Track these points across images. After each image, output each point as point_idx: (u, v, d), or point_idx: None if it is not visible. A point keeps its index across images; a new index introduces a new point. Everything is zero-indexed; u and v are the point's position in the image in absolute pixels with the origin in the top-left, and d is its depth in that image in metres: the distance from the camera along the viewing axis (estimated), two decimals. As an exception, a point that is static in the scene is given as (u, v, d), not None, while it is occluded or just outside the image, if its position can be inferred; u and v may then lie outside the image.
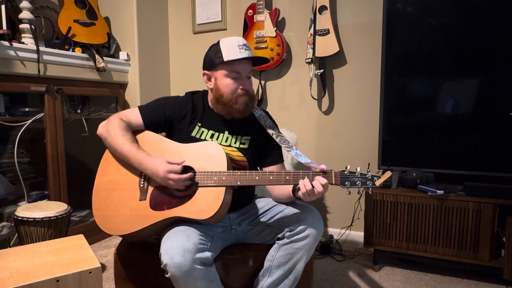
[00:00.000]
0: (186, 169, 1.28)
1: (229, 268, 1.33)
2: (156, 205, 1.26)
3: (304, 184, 1.18)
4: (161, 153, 1.32)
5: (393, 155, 2.13)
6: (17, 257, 1.25)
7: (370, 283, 1.98)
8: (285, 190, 1.34)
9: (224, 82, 1.34)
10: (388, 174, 1.18)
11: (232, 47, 1.31)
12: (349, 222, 2.43)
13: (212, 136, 1.40)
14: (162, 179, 1.23)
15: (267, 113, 1.50)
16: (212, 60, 1.35)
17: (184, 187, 1.25)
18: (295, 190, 1.29)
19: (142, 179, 1.31)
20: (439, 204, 1.90)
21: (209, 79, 1.40)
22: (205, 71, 1.41)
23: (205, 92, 1.48)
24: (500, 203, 1.80)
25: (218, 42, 1.35)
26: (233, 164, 1.37)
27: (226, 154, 1.30)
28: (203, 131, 1.40)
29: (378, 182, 1.17)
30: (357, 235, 2.42)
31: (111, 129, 1.34)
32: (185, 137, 1.38)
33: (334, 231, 2.50)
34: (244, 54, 1.31)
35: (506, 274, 1.80)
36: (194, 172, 1.27)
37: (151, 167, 1.25)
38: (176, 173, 1.23)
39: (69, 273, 1.14)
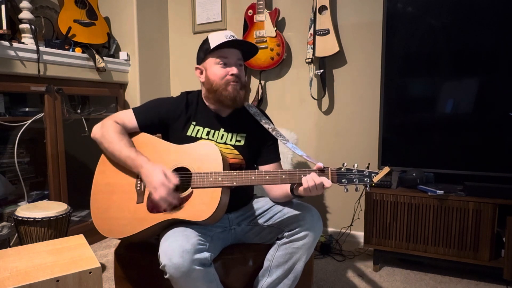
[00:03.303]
0: (182, 170, 1.28)
1: (229, 268, 1.33)
2: (153, 208, 1.26)
3: (307, 180, 1.17)
4: (157, 155, 1.32)
5: (393, 155, 2.13)
6: (17, 257, 1.25)
7: (370, 283, 1.98)
8: (283, 189, 1.34)
9: (213, 70, 1.36)
10: (386, 170, 1.15)
11: (219, 37, 1.35)
12: (349, 222, 2.43)
13: (208, 134, 1.40)
14: (155, 192, 1.22)
15: (261, 110, 1.50)
16: (201, 52, 1.40)
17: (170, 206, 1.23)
18: (293, 188, 1.29)
19: (138, 182, 1.31)
20: (439, 204, 1.90)
21: (201, 72, 1.42)
22: (197, 66, 1.44)
23: (200, 91, 1.48)
24: (500, 203, 1.80)
25: (207, 37, 1.39)
26: (229, 164, 1.37)
27: (222, 153, 1.29)
28: (198, 129, 1.40)
29: (376, 179, 1.16)
30: (357, 235, 2.42)
31: (106, 133, 1.33)
32: (181, 137, 1.38)
33: (334, 231, 2.50)
34: (230, 38, 1.34)
35: (506, 274, 1.80)
36: (190, 173, 1.26)
37: (147, 174, 1.24)
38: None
39: (69, 273, 1.14)
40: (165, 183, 1.20)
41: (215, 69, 1.36)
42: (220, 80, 1.34)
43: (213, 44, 1.34)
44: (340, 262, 2.23)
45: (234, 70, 1.35)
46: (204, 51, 1.38)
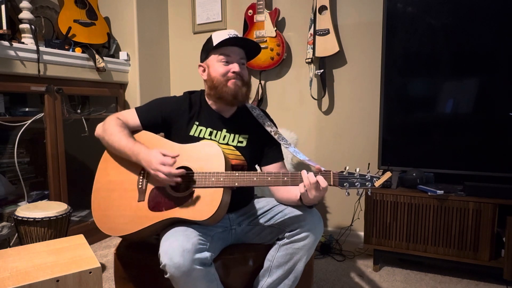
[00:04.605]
0: (184, 169, 1.28)
1: (229, 268, 1.33)
2: (154, 206, 1.26)
3: (308, 177, 1.16)
4: None
5: (393, 155, 2.13)
6: (17, 257, 1.25)
7: (370, 283, 1.98)
8: (292, 194, 1.32)
9: (215, 67, 1.37)
10: (387, 175, 1.17)
11: (222, 35, 1.36)
12: (349, 222, 2.43)
13: (210, 134, 1.40)
14: (154, 170, 1.21)
15: (265, 112, 1.50)
16: (205, 50, 1.41)
17: (174, 183, 1.23)
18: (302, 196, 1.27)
19: (140, 179, 1.31)
20: (439, 204, 1.90)
21: (203, 70, 1.43)
22: (200, 63, 1.45)
23: (202, 91, 1.48)
24: (500, 203, 1.80)
25: (211, 35, 1.40)
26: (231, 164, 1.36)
27: (224, 154, 1.30)
28: (201, 129, 1.40)
29: (377, 183, 1.16)
30: (357, 235, 2.42)
31: (108, 127, 1.33)
32: (184, 137, 1.38)
33: (334, 231, 2.50)
34: (233, 37, 1.35)
35: (506, 274, 1.80)
36: (192, 173, 1.26)
37: (146, 158, 1.23)
38: (168, 166, 1.20)
39: (69, 273, 1.14)
40: (165, 161, 1.20)
41: (217, 66, 1.36)
42: (221, 76, 1.35)
43: (216, 41, 1.35)
44: (340, 262, 2.23)
45: (235, 67, 1.35)
46: (207, 49, 1.39)
